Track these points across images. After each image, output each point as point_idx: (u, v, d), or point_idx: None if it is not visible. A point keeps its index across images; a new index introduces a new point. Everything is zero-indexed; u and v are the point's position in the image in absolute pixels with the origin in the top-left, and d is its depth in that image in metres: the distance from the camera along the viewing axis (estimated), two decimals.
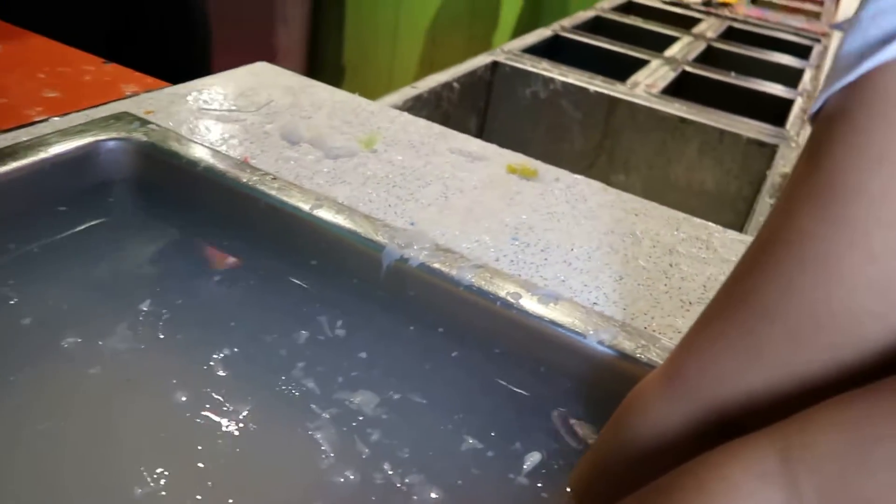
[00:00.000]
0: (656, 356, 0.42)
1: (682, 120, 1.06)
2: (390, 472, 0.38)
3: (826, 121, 0.24)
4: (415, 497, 0.37)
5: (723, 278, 0.29)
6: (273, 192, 0.51)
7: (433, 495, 0.38)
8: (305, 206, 0.50)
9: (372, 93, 0.93)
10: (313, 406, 0.41)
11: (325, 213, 0.50)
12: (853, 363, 0.23)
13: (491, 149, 0.65)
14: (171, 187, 0.56)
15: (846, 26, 0.24)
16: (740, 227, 1.04)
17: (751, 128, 1.05)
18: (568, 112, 1.15)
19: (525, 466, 0.40)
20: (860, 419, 0.21)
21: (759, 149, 1.03)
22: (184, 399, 0.41)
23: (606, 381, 0.43)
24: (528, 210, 0.56)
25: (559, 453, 0.41)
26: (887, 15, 0.22)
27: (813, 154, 0.24)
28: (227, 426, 0.39)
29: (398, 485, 0.38)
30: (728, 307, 0.28)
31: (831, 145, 0.23)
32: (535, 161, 0.64)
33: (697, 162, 1.09)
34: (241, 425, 0.40)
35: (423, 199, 0.55)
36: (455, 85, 1.08)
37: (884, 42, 0.22)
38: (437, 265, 0.47)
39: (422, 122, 0.68)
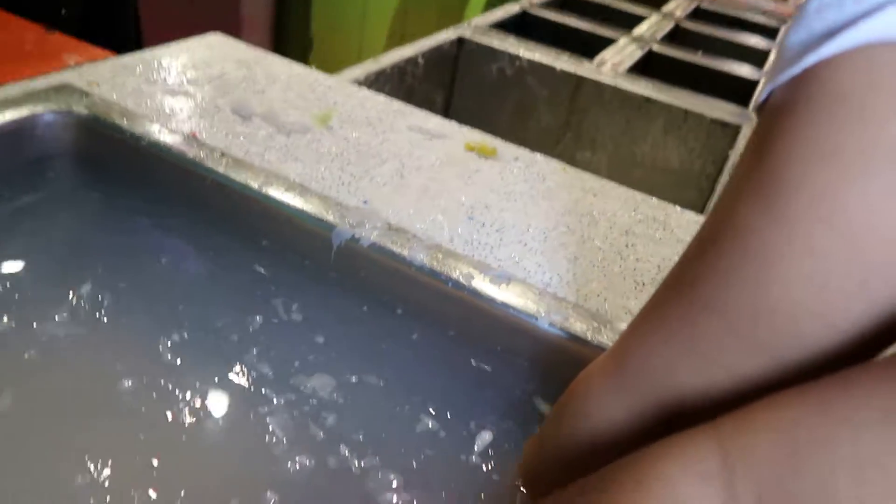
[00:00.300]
0: (607, 338, 0.42)
1: (647, 99, 1.06)
2: (346, 456, 0.38)
3: (770, 113, 0.23)
4: (370, 481, 0.37)
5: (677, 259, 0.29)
6: (220, 169, 0.50)
7: (389, 478, 0.37)
8: (254, 184, 0.49)
9: (340, 66, 0.91)
10: (266, 391, 0.40)
11: (274, 191, 0.49)
12: (791, 361, 0.23)
13: (450, 126, 0.64)
14: (114, 163, 0.54)
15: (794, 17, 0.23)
16: (703, 206, 1.05)
17: (715, 108, 1.06)
18: (534, 89, 1.14)
19: (476, 447, 0.39)
20: (795, 422, 0.20)
21: (723, 129, 1.03)
22: (128, 385, 0.39)
23: (559, 363, 0.42)
24: (486, 189, 0.55)
25: (511, 434, 0.41)
26: (831, 9, 0.21)
27: (757, 147, 0.24)
28: (176, 415, 0.38)
29: (353, 469, 0.37)
30: (671, 296, 0.27)
31: (774, 139, 0.22)
32: (495, 139, 0.63)
33: (662, 140, 1.09)
34: (191, 414, 0.39)
35: (378, 178, 0.53)
36: (420, 60, 1.06)
37: (827, 36, 0.21)
38: (388, 245, 0.46)
39: (380, 98, 0.66)
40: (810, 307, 0.22)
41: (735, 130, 1.02)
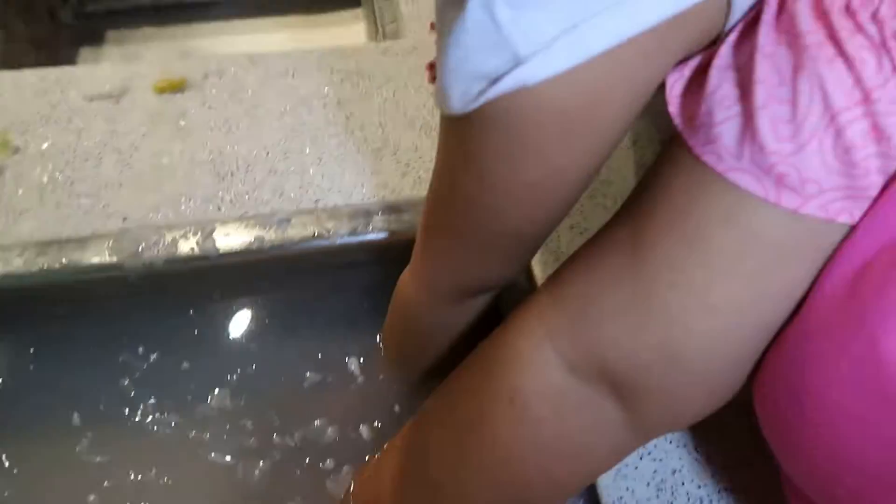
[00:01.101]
0: (388, 224, 0.52)
1: None
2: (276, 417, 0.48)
3: (478, 120, 0.28)
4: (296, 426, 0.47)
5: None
6: None
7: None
8: (16, 268, 0.48)
9: None
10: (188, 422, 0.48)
11: (42, 262, 0.49)
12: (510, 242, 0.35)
13: (124, 71, 0.61)
14: None
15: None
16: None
17: None
18: None
19: (352, 368, 0.51)
20: (577, 286, 0.31)
21: None
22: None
23: (373, 265, 0.53)
24: (205, 132, 0.57)
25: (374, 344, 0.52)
26: (480, 56, 0.25)
27: (470, 144, 0.30)
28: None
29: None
30: (438, 229, 0.37)
31: (489, 145, 0.29)
32: (174, 63, 0.62)
33: None
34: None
35: (108, 183, 0.53)
36: None
37: (494, 80, 0.25)
38: (178, 252, 0.50)
39: (28, 77, 0.60)
40: (504, 206, 0.32)
41: None
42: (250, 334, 0.52)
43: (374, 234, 0.52)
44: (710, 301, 0.27)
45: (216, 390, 0.49)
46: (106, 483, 0.46)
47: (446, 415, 0.37)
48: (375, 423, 0.48)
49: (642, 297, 0.28)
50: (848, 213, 0.24)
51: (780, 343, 0.31)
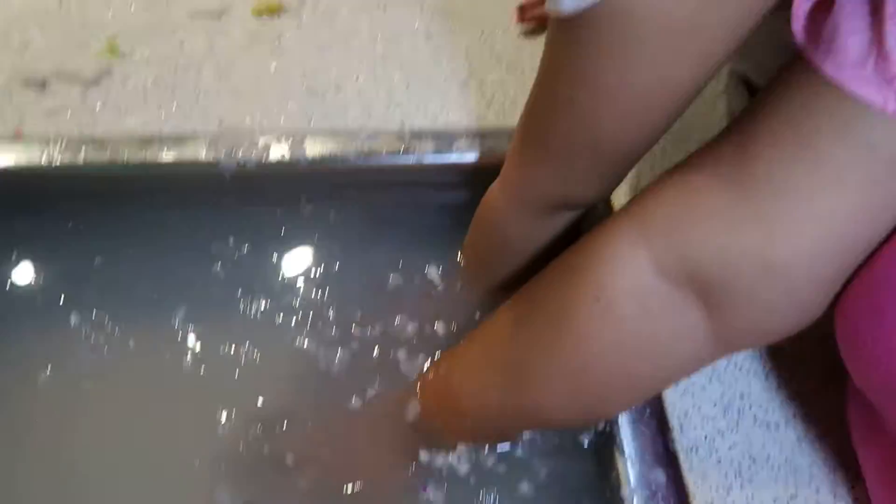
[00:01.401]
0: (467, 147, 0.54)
1: None
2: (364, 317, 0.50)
3: (588, 21, 0.29)
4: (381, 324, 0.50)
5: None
6: (80, 160, 0.51)
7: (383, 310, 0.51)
8: (125, 158, 0.51)
9: None
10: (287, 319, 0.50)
11: (150, 154, 0.51)
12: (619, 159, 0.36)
13: None
14: None
15: None
16: None
17: None
18: None
19: (431, 276, 0.53)
20: (678, 193, 0.32)
21: None
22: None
23: (461, 184, 0.55)
24: (299, 54, 0.59)
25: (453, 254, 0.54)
26: None
27: (577, 46, 0.31)
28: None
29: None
30: (535, 138, 0.39)
31: (596, 48, 0.30)
32: None
33: None
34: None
35: (204, 89, 0.56)
36: None
37: None
38: (272, 157, 0.52)
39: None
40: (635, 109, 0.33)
41: None
42: (335, 237, 0.54)
43: (458, 157, 0.54)
44: (815, 210, 0.27)
45: (301, 283, 0.51)
46: (199, 352, 0.48)
47: (529, 310, 0.38)
48: (453, 325, 0.49)
49: (744, 202, 0.28)
50: None
51: (871, 259, 0.32)
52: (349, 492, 0.43)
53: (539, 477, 0.44)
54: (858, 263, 0.30)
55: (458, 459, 0.44)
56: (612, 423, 0.43)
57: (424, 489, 0.43)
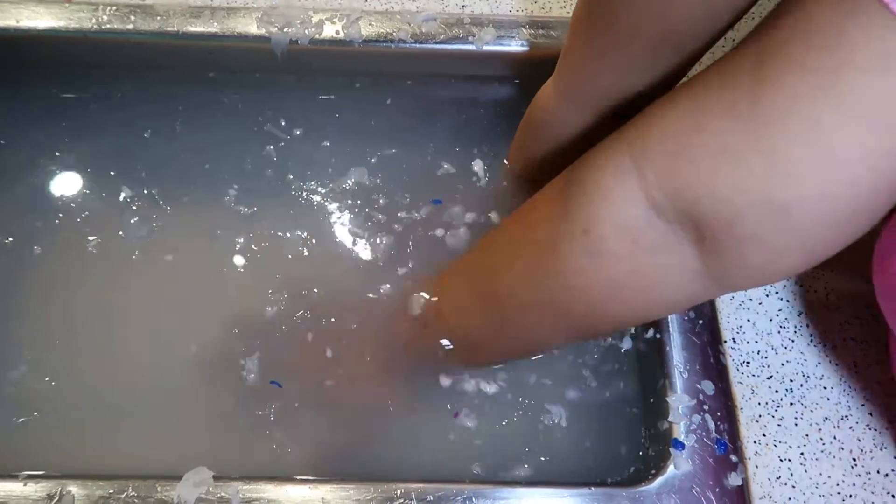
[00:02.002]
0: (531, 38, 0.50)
1: None
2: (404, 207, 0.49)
3: None
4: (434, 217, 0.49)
5: None
6: (129, 27, 0.49)
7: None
8: (174, 27, 0.49)
9: None
10: (322, 201, 0.49)
11: (196, 28, 0.49)
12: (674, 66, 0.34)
13: None
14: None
15: None
16: None
17: None
18: None
19: (476, 169, 0.51)
20: (678, 119, 0.28)
21: None
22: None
23: (513, 78, 0.52)
24: None
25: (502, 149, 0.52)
26: None
27: None
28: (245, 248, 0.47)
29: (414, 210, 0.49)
30: (595, 29, 0.36)
31: None
32: None
33: None
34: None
35: None
36: None
37: None
38: (326, 35, 0.50)
39: None
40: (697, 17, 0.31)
41: None
42: (388, 122, 0.52)
43: (519, 46, 0.51)
44: (833, 151, 0.24)
45: (353, 168, 0.50)
46: (251, 232, 0.48)
47: (521, 234, 0.37)
48: (492, 213, 0.49)
49: (756, 137, 0.25)
50: None
51: None
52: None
53: (584, 384, 0.44)
54: (879, 204, 0.26)
55: (494, 375, 0.44)
56: (663, 332, 0.42)
57: (456, 415, 0.42)
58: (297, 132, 0.51)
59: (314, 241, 0.48)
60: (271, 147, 0.51)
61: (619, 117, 0.39)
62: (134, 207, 0.49)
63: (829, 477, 0.39)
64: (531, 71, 0.52)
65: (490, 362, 0.44)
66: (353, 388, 0.44)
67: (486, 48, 0.50)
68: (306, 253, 0.47)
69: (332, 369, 0.44)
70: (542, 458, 0.42)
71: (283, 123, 0.52)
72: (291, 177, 0.50)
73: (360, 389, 0.44)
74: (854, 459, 0.39)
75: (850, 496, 0.39)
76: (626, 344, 0.44)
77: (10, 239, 0.48)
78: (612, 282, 0.31)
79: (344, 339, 0.45)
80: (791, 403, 0.41)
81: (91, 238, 0.47)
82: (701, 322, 0.42)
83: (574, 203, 0.32)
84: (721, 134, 0.26)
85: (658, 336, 0.42)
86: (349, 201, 0.49)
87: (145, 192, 0.49)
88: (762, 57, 0.25)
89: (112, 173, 0.50)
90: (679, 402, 0.40)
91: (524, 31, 0.51)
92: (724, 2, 0.30)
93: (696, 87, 0.28)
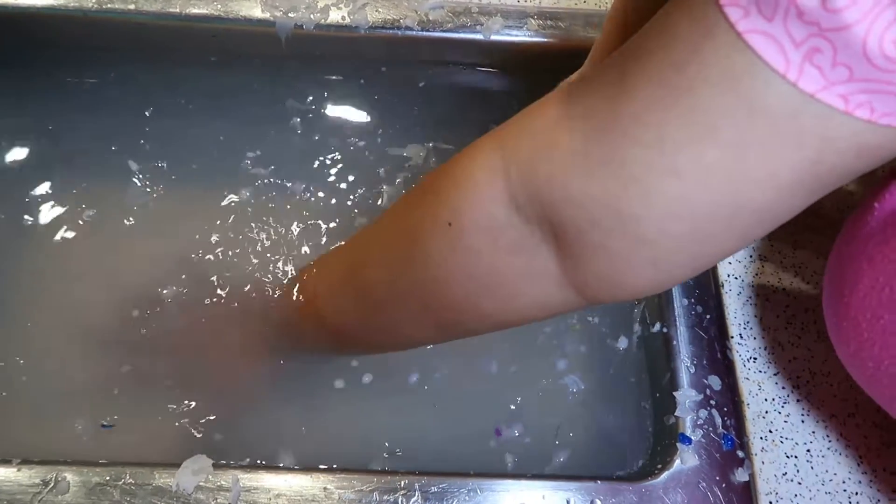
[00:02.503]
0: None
1: None
2: None
3: None
4: None
5: None
6: (132, 7, 0.48)
7: None
8: (176, 8, 0.48)
9: None
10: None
11: (199, 10, 0.49)
12: None
13: None
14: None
15: None
16: None
17: None
18: None
19: None
20: (546, 120, 0.28)
21: None
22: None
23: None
24: None
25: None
26: None
27: None
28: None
29: None
30: None
31: None
32: None
33: None
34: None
35: None
36: None
37: None
38: (332, 20, 0.49)
39: None
40: None
41: None
42: (386, 111, 0.52)
43: (527, 36, 0.50)
44: (678, 164, 0.24)
45: (343, 154, 0.50)
46: (262, 195, 0.48)
47: (392, 224, 0.36)
48: None
49: (608, 145, 0.25)
50: (868, 108, 0.21)
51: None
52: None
53: (590, 378, 0.44)
54: (744, 230, 0.26)
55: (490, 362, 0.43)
56: (669, 326, 0.41)
57: (498, 433, 0.42)
58: (305, 116, 0.52)
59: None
60: (273, 133, 0.51)
61: None
62: (140, 177, 0.49)
63: (836, 474, 0.39)
64: (539, 62, 0.51)
65: (363, 351, 0.43)
66: (227, 367, 0.44)
67: (493, 38, 0.50)
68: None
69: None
70: (549, 452, 0.41)
71: (286, 105, 0.52)
72: (296, 160, 0.50)
73: (233, 369, 0.44)
74: (860, 457, 0.39)
75: (857, 493, 0.38)
76: (624, 342, 0.44)
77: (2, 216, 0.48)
78: (473, 279, 0.31)
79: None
80: (798, 400, 0.41)
81: (99, 204, 0.48)
82: (708, 317, 0.42)
83: (444, 193, 0.31)
84: (581, 138, 0.26)
85: (665, 330, 0.42)
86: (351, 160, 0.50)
87: (150, 166, 0.49)
88: (625, 66, 0.25)
89: (114, 148, 0.50)
90: (686, 396, 0.39)
91: (533, 21, 0.50)
92: None
93: (571, 89, 0.28)
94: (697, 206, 0.24)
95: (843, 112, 0.21)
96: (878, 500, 0.38)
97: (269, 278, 0.46)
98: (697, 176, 0.24)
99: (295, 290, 0.44)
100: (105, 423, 0.42)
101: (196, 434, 0.42)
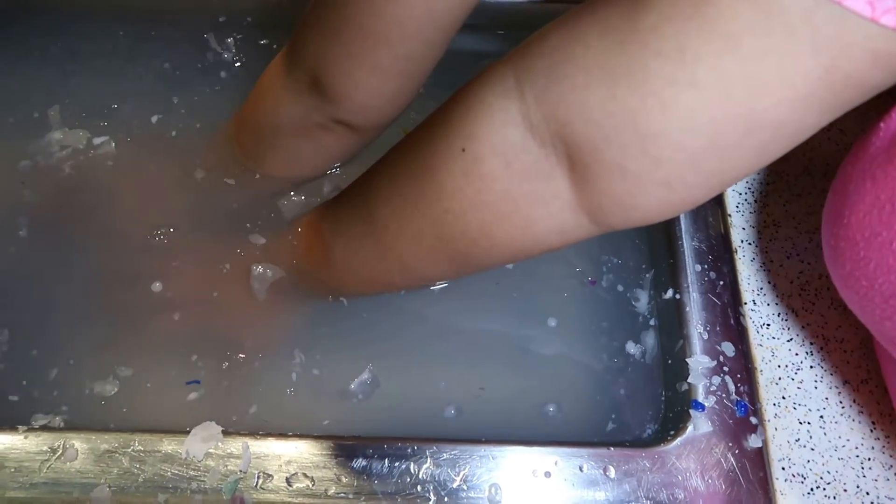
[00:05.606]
0: None
1: None
2: None
3: None
4: None
5: None
6: None
7: None
8: None
9: None
10: None
11: None
12: None
13: None
14: None
15: None
16: None
17: None
18: None
19: None
20: (561, 37, 0.27)
21: None
22: None
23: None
24: None
25: None
26: None
27: None
28: None
29: None
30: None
31: None
32: None
33: None
34: None
35: None
36: None
37: None
38: None
39: None
40: None
41: None
42: None
43: None
44: (698, 75, 0.23)
45: None
46: None
47: (402, 158, 0.35)
48: None
49: (627, 59, 0.25)
50: (893, 15, 0.21)
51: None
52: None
53: (603, 344, 0.43)
54: (752, 149, 0.26)
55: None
56: (682, 292, 0.41)
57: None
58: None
59: None
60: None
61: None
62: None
63: (849, 440, 0.39)
64: (540, 25, 0.50)
65: (372, 291, 0.43)
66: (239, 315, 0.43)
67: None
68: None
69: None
70: (561, 418, 0.41)
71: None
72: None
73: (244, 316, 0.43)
74: (873, 423, 0.39)
75: (869, 459, 0.38)
76: (646, 304, 0.43)
77: None
78: (487, 206, 0.30)
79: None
80: (811, 366, 0.40)
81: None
82: (721, 283, 0.41)
83: (458, 120, 0.31)
84: (597, 55, 0.26)
85: (678, 297, 0.41)
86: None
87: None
88: None
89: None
90: (699, 363, 0.39)
91: None
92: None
93: (582, 8, 0.27)
94: (714, 119, 0.24)
95: (869, 19, 0.21)
96: (891, 466, 0.38)
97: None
98: (716, 86, 0.24)
99: (303, 233, 0.43)
100: (190, 381, 0.41)
101: (204, 400, 0.41)
